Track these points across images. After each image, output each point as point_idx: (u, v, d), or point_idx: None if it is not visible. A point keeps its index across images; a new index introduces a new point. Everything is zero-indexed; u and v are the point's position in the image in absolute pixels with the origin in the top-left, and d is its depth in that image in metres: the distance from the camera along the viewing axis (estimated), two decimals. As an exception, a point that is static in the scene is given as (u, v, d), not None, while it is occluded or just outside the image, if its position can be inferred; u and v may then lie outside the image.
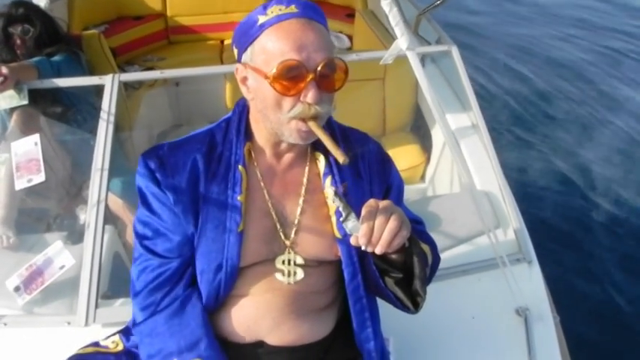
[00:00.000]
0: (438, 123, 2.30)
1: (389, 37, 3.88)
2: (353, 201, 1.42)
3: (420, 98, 3.60)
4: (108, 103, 2.41)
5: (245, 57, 1.38)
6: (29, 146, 2.40)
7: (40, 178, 2.32)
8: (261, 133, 1.48)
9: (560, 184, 5.02)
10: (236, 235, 1.43)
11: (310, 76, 1.29)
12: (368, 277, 1.52)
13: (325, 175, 1.51)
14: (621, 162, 5.40)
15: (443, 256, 2.10)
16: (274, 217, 1.49)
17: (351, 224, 1.27)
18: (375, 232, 1.25)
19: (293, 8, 1.32)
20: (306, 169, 1.52)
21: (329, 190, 1.49)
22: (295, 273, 1.49)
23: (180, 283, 1.48)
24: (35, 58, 2.88)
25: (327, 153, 1.49)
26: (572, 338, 2.18)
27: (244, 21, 1.38)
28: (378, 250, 1.26)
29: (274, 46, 1.30)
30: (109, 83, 2.46)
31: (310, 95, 1.30)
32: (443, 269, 2.12)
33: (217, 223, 1.44)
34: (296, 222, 1.49)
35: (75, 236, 2.33)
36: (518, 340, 1.99)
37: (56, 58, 3.01)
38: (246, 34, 1.36)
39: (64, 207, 2.65)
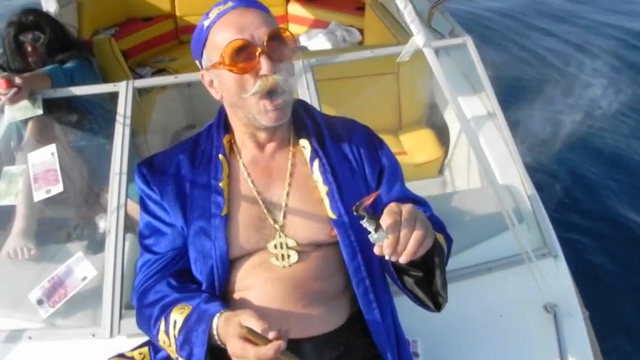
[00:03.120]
0: (456, 116, 2.27)
1: (400, 29, 3.85)
2: (341, 183, 1.53)
3: (435, 91, 3.56)
4: (123, 110, 2.39)
5: (204, 62, 1.49)
6: (46, 157, 2.39)
7: (58, 188, 2.31)
8: (238, 127, 1.56)
9: (584, 175, 4.95)
10: (220, 219, 1.50)
11: (259, 50, 1.37)
12: (387, 275, 1.55)
13: (312, 159, 1.56)
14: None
15: (466, 254, 2.10)
16: (261, 203, 1.54)
17: (376, 235, 1.24)
18: (401, 242, 1.24)
19: (229, 4, 1.43)
20: (290, 155, 1.58)
21: (318, 174, 1.54)
22: (289, 256, 1.51)
23: (172, 272, 1.57)
24: (48, 67, 2.87)
25: (310, 139, 1.57)
26: (600, 333, 2.15)
27: (194, 32, 1.50)
28: (403, 260, 1.25)
29: (221, 37, 1.40)
30: (124, 90, 2.45)
31: (264, 67, 1.37)
32: (467, 267, 2.11)
33: (202, 211, 1.53)
34: (283, 205, 1.54)
35: (96, 245, 2.32)
36: (549, 337, 1.95)
37: (68, 64, 3.01)
38: (198, 41, 1.47)
39: (83, 216, 2.65)
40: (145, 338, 1.71)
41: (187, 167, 1.58)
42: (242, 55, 1.37)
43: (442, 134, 3.52)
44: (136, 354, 1.67)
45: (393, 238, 1.23)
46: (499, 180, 2.44)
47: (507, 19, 8.84)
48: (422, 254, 1.29)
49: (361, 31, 4.83)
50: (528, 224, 2.28)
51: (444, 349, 1.89)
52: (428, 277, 1.45)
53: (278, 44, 1.41)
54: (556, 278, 2.12)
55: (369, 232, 1.25)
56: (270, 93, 1.40)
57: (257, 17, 1.40)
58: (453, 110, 2.25)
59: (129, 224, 2.26)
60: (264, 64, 1.37)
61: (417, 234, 1.25)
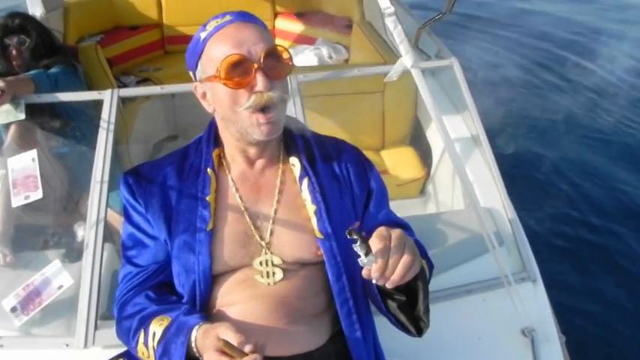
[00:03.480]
0: (440, 138, 2.29)
1: (387, 49, 3.87)
2: (330, 202, 1.53)
3: (419, 111, 3.58)
4: (107, 118, 2.37)
5: (198, 74, 1.49)
6: (26, 162, 2.36)
7: (37, 195, 2.28)
8: (229, 141, 1.55)
9: (563, 201, 4.99)
10: (205, 233, 1.49)
11: (255, 66, 1.38)
12: (370, 298, 1.54)
13: (301, 178, 1.56)
14: (630, 176, 5.39)
15: (446, 275, 2.11)
16: (248, 219, 1.53)
17: (365, 259, 1.24)
18: (389, 267, 1.25)
19: (228, 17, 1.44)
20: (279, 172, 1.57)
21: (306, 192, 1.54)
22: (274, 273, 1.50)
23: (152, 285, 1.55)
24: (32, 72, 2.85)
25: (300, 158, 1.57)
26: (578, 358, 2.16)
27: (190, 43, 1.49)
28: (390, 285, 1.26)
29: (218, 51, 1.40)
30: (109, 98, 2.43)
31: (259, 83, 1.38)
32: (447, 289, 2.11)
33: (187, 225, 1.50)
34: (270, 223, 1.53)
35: (73, 254, 2.29)
36: (525, 361, 1.97)
37: (53, 70, 2.99)
38: (194, 53, 1.47)
39: (61, 223, 2.62)
40: (119, 350, 1.69)
41: (174, 179, 1.56)
42: (238, 70, 1.38)
43: (425, 154, 3.53)
44: (109, 365, 1.66)
45: (382, 263, 1.24)
46: (481, 202, 2.45)
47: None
48: (408, 280, 1.29)
49: (348, 49, 4.85)
50: (508, 248, 2.29)
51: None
52: (410, 302, 1.45)
53: (274, 61, 1.41)
54: (534, 303, 2.13)
55: (359, 256, 1.25)
56: (263, 108, 1.41)
57: (254, 33, 1.41)
58: (438, 131, 2.27)
59: (108, 234, 2.24)
60: (259, 81, 1.38)
61: (405, 260, 1.25)
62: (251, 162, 1.57)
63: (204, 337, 1.33)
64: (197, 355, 1.35)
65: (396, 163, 3.55)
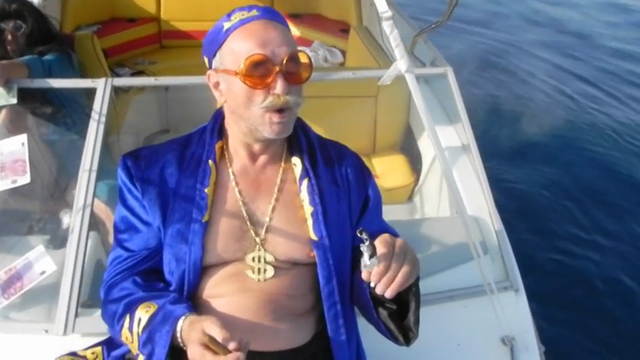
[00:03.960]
0: (431, 145, 2.30)
1: (382, 54, 3.88)
2: (327, 205, 1.53)
3: (411, 118, 3.59)
4: (99, 107, 2.37)
5: (215, 63, 1.49)
6: (16, 146, 2.34)
7: (25, 179, 2.26)
8: (234, 135, 1.55)
9: (549, 210, 5.03)
10: (200, 224, 1.48)
11: (276, 69, 1.39)
12: (360, 304, 1.54)
13: (302, 178, 1.56)
14: (615, 187, 5.44)
15: (429, 280, 2.11)
16: (244, 214, 1.53)
17: (369, 262, 1.27)
18: (389, 274, 1.28)
19: (254, 12, 1.44)
20: (280, 170, 1.58)
21: (305, 193, 1.55)
22: (265, 270, 1.51)
23: (141, 271, 1.54)
24: (26, 57, 2.84)
25: (303, 158, 1.57)
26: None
27: (211, 30, 1.49)
28: (388, 294, 1.28)
29: (241, 46, 1.40)
30: (102, 87, 2.42)
31: (278, 87, 1.39)
32: (429, 294, 2.10)
33: (183, 214, 1.50)
34: (267, 220, 1.53)
35: (57, 241, 2.28)
36: (503, 370, 1.97)
37: (48, 57, 2.97)
38: (214, 41, 1.47)
39: (47, 210, 2.60)
40: (99, 338, 1.69)
41: (174, 167, 1.55)
42: (259, 70, 1.38)
43: (415, 161, 3.53)
44: (88, 353, 1.66)
45: (384, 267, 1.27)
46: (468, 210, 2.46)
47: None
48: (404, 288, 1.31)
49: (344, 53, 4.86)
50: (493, 256, 2.30)
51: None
52: (400, 312, 1.47)
53: (295, 66, 1.42)
54: (515, 312, 2.14)
55: (363, 257, 1.27)
56: (278, 109, 1.42)
57: (280, 34, 1.42)
58: (429, 138, 2.28)
59: (93, 222, 2.23)
60: (279, 84, 1.39)
61: (405, 270, 1.28)
62: (254, 157, 1.57)
63: (189, 328, 1.33)
64: (181, 345, 1.35)
65: (386, 169, 3.55)
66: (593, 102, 7.23)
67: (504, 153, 5.70)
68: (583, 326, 3.75)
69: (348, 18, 4.97)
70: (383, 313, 1.46)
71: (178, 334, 1.35)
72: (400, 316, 1.47)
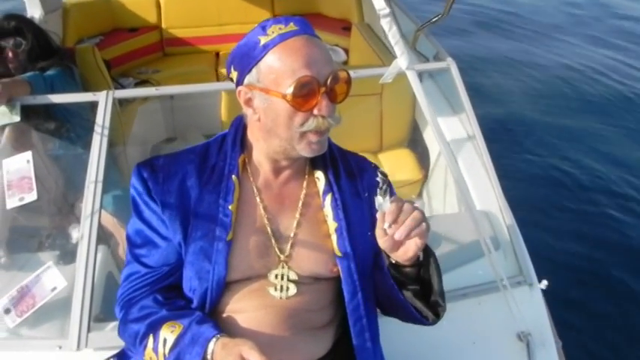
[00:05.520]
0: (436, 141, 2.28)
1: (385, 51, 3.86)
2: (351, 220, 1.50)
3: (417, 113, 3.57)
4: (102, 120, 2.36)
5: (250, 78, 1.40)
6: (21, 164, 2.35)
7: (32, 196, 2.27)
8: (260, 149, 1.50)
9: (561, 202, 4.99)
10: (224, 243, 1.44)
11: (322, 90, 1.34)
12: (384, 292, 1.52)
13: (325, 193, 1.53)
14: (631, 175, 5.39)
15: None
16: (269, 230, 1.49)
17: (381, 199, 1.29)
18: (402, 215, 1.27)
19: (292, 26, 1.37)
20: (304, 184, 1.54)
21: (329, 209, 1.51)
22: (288, 288, 1.48)
23: (161, 288, 1.51)
24: (28, 74, 2.84)
25: (326, 172, 1.53)
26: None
27: (243, 42, 1.41)
28: (398, 235, 1.27)
29: (284, 65, 1.34)
30: (103, 100, 2.42)
31: (324, 108, 1.35)
32: (442, 292, 2.09)
33: (206, 231, 1.45)
34: (292, 236, 1.50)
35: (67, 256, 2.28)
36: (521, 366, 1.95)
37: (49, 72, 2.97)
38: (249, 56, 1.39)
39: (56, 225, 2.61)
40: (112, 352, 1.69)
41: (194, 180, 1.50)
42: (305, 90, 1.33)
43: (423, 157, 3.52)
44: (102, 368, 1.65)
45: (396, 207, 1.27)
46: (478, 205, 2.44)
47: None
48: (416, 249, 1.31)
49: (347, 51, 4.84)
50: (505, 251, 2.28)
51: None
52: (424, 291, 1.45)
53: (336, 83, 1.37)
54: (530, 306, 2.11)
55: (377, 197, 1.31)
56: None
57: (323, 52, 1.37)
58: (434, 134, 2.26)
59: (102, 235, 2.23)
60: (324, 106, 1.35)
61: (416, 214, 1.28)
62: (277, 171, 1.53)
63: (224, 352, 1.31)
64: None
65: (394, 166, 3.54)
66: (607, 90, 7.18)
67: (513, 145, 5.66)
68: (601, 319, 3.72)
69: (349, 16, 4.97)
70: (408, 294, 1.46)
71: (209, 357, 1.33)
72: (424, 297, 1.46)
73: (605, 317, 3.74)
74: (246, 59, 1.40)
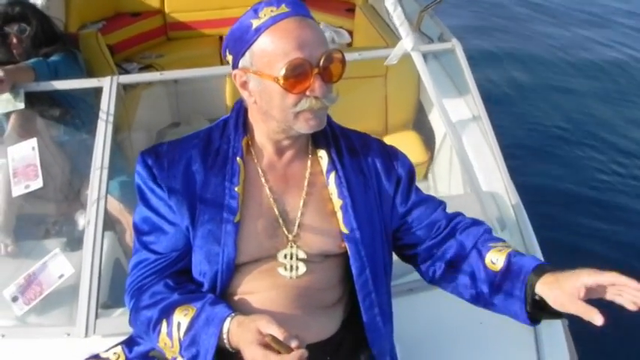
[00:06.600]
0: (441, 122, 2.27)
1: (390, 32, 3.84)
2: (356, 197, 1.50)
3: (422, 95, 3.56)
4: (107, 105, 2.36)
5: (244, 62, 1.41)
6: (26, 151, 2.35)
7: (37, 184, 2.27)
8: (261, 131, 1.50)
9: (568, 182, 4.96)
10: (232, 225, 1.45)
11: (315, 71, 1.34)
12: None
13: (329, 171, 1.53)
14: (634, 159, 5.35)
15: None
16: (276, 211, 1.49)
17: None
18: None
19: (284, 8, 1.36)
20: (308, 163, 1.54)
21: (333, 186, 1.51)
22: (297, 267, 1.49)
23: (171, 274, 1.50)
24: (32, 60, 2.84)
25: (329, 150, 1.53)
26: (580, 342, 2.14)
27: (236, 27, 1.41)
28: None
29: (276, 47, 1.33)
30: (108, 85, 2.42)
31: (317, 89, 1.34)
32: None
33: (214, 214, 1.45)
34: (299, 215, 1.50)
35: (74, 243, 2.29)
36: (527, 346, 1.95)
37: (53, 58, 2.97)
38: (242, 40, 1.38)
39: (62, 212, 2.62)
40: (120, 338, 1.69)
41: (199, 165, 1.49)
42: (297, 73, 1.33)
43: (428, 139, 3.50)
44: (110, 354, 1.65)
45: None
46: (483, 186, 2.43)
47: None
48: None
49: (351, 33, 4.82)
50: (511, 232, 2.27)
51: (423, 355, 1.88)
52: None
53: (329, 65, 1.37)
54: (537, 286, 2.11)
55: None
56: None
57: (315, 33, 1.36)
58: (439, 115, 2.25)
59: (108, 221, 2.23)
60: (317, 86, 1.34)
61: None
62: (281, 152, 1.52)
63: (240, 329, 1.31)
64: (228, 346, 1.34)
65: (400, 148, 3.48)
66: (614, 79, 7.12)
67: (520, 127, 5.63)
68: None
69: (353, -3, 4.93)
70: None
71: (225, 336, 1.33)
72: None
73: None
74: (239, 43, 1.39)
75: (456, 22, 6.64)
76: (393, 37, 3.65)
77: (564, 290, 1.31)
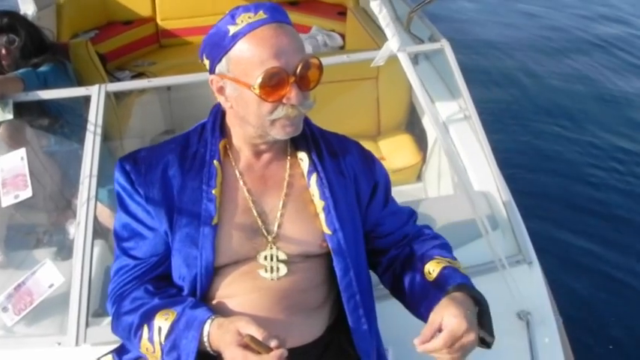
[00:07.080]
0: (431, 123, 2.26)
1: (382, 35, 3.81)
2: (337, 198, 1.50)
3: (414, 96, 3.55)
4: (95, 114, 2.35)
5: (220, 67, 1.40)
6: (15, 161, 2.34)
7: (27, 193, 2.26)
8: (238, 135, 1.50)
9: (559, 178, 4.95)
10: (210, 227, 1.44)
11: (292, 80, 1.33)
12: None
13: (310, 173, 1.53)
14: (626, 154, 5.34)
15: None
16: (254, 212, 1.49)
17: None
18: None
19: (262, 14, 1.35)
20: (287, 165, 1.54)
21: (315, 188, 1.51)
22: (278, 269, 1.48)
23: (151, 279, 1.51)
24: (21, 70, 2.84)
25: (309, 152, 1.54)
26: (574, 340, 2.13)
27: (213, 32, 1.40)
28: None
29: (252, 55, 1.33)
30: (96, 93, 2.41)
31: (294, 97, 1.34)
32: (441, 274, 2.08)
33: (191, 218, 1.46)
34: (278, 216, 1.50)
35: (65, 252, 2.29)
36: (521, 345, 1.95)
37: (42, 68, 2.96)
38: (218, 46, 1.38)
39: (53, 221, 2.61)
40: (110, 347, 1.68)
41: (176, 169, 1.49)
42: (273, 81, 1.32)
43: (421, 140, 3.50)
44: (100, 363, 1.65)
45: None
46: (475, 186, 2.43)
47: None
48: None
49: (343, 36, 4.82)
50: (503, 231, 2.27)
51: (415, 357, 1.87)
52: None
53: (306, 71, 1.36)
54: (530, 285, 2.11)
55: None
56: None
57: (292, 41, 1.35)
58: (428, 116, 2.24)
59: (99, 229, 2.22)
60: (294, 95, 1.34)
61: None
62: (258, 154, 1.53)
63: (220, 331, 1.31)
64: (209, 349, 1.34)
65: (393, 150, 3.52)
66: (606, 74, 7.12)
67: (510, 126, 5.64)
68: (604, 293, 3.71)
69: (344, 0, 4.92)
70: None
71: (205, 339, 1.33)
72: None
73: (606, 292, 3.73)
74: (216, 49, 1.39)
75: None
76: (384, 39, 3.64)
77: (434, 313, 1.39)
